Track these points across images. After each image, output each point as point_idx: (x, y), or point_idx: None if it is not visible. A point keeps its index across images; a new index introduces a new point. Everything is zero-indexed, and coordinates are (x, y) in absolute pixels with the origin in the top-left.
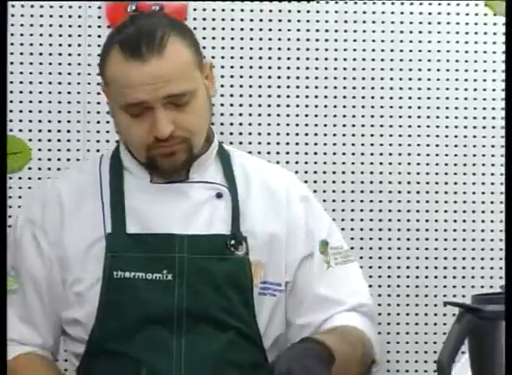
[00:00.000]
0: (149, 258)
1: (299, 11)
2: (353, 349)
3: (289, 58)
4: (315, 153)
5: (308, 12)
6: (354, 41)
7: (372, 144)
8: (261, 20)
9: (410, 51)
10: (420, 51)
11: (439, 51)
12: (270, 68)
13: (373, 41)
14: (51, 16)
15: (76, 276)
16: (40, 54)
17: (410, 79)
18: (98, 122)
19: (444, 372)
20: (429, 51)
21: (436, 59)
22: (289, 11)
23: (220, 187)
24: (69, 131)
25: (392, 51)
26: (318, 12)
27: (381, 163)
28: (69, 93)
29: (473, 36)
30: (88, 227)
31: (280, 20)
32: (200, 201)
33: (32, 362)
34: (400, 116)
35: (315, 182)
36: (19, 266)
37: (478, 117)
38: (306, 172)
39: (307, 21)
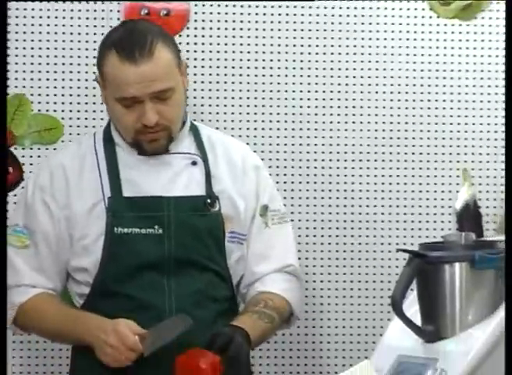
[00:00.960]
0: (143, 217)
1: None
2: (268, 320)
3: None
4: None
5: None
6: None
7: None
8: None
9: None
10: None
11: (384, 47)
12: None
13: (339, 38)
14: (79, 18)
15: (82, 232)
16: (71, 48)
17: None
18: None
19: (396, 306)
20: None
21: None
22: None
23: (194, 156)
24: (94, 111)
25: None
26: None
27: (346, 129)
28: (94, 80)
29: (420, 34)
30: (89, 192)
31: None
32: (180, 168)
33: (47, 297)
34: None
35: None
36: (33, 227)
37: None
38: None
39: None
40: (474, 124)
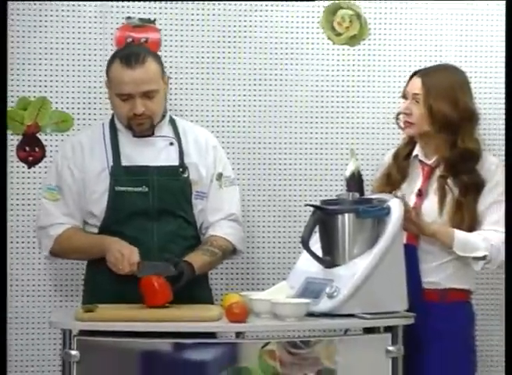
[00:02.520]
0: (135, 179)
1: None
2: (212, 255)
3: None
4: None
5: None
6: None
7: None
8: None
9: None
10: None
11: (296, 64)
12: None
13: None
14: (86, 43)
15: (93, 189)
16: (79, 65)
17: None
18: None
19: (305, 243)
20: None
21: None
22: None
23: (171, 139)
24: (94, 109)
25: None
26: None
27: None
28: (95, 87)
29: (321, 56)
30: (98, 162)
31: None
32: (161, 147)
33: (77, 229)
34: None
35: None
36: (61, 185)
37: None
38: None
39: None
40: (358, 118)
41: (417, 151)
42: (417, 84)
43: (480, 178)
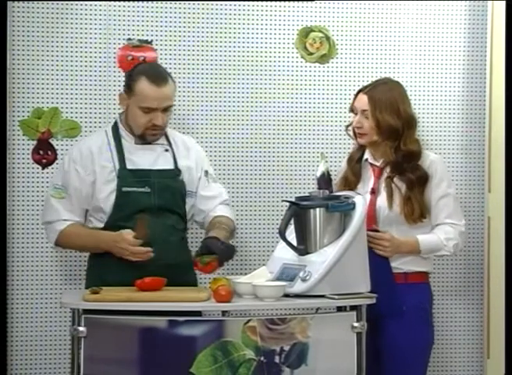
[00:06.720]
0: (138, 181)
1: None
2: (228, 231)
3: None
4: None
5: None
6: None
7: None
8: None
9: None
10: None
11: (274, 80)
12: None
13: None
14: (91, 61)
15: (102, 188)
16: (83, 79)
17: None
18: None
19: (282, 233)
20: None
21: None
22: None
23: (167, 146)
24: (100, 117)
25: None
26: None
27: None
28: (99, 99)
29: (295, 72)
30: (106, 165)
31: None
32: (158, 153)
33: (78, 225)
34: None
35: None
36: (67, 185)
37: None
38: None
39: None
40: (327, 126)
41: (367, 155)
42: (364, 101)
43: (424, 172)
